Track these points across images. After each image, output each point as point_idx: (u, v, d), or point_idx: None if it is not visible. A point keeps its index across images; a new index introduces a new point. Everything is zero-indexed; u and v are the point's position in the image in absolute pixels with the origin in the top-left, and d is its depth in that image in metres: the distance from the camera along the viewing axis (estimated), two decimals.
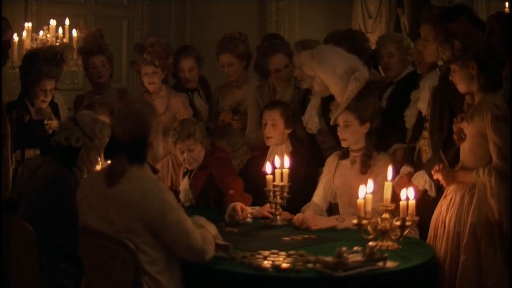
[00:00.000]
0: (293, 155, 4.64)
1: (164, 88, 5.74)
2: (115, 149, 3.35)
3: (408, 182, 4.18)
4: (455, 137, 3.89)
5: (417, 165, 4.31)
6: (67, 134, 3.97)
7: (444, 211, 3.91)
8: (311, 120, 4.98)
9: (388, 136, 4.63)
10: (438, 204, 4.01)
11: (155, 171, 3.44)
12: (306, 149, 5.03)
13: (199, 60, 5.96)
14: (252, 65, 5.83)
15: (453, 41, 3.78)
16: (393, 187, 3.92)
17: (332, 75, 4.48)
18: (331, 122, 4.51)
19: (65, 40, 7.01)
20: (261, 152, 5.02)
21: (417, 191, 4.09)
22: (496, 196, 3.66)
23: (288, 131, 4.87)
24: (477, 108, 3.78)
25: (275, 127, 4.82)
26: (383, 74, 5.43)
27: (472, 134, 3.79)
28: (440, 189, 4.10)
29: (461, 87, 3.87)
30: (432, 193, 4.14)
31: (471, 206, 3.77)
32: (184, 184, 5.08)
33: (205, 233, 3.41)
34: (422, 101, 4.41)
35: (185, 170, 5.10)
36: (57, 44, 6.83)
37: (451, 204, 3.88)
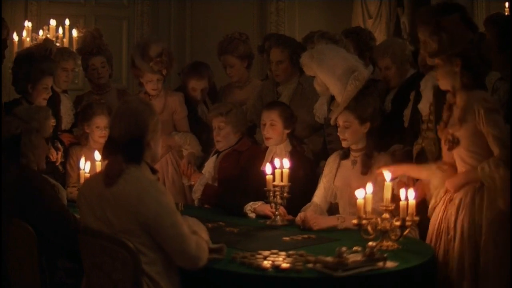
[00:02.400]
0: (293, 155, 4.64)
1: (161, 90, 5.72)
2: (113, 148, 3.35)
3: (409, 184, 4.19)
4: (446, 144, 3.87)
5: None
6: (7, 127, 3.95)
7: (454, 214, 3.87)
8: (321, 109, 4.98)
9: (390, 137, 4.63)
10: (438, 207, 4.01)
11: (154, 171, 3.43)
12: (304, 149, 5.07)
13: (211, 79, 5.93)
14: (255, 64, 5.87)
15: (441, 35, 3.78)
16: (393, 189, 3.91)
17: (331, 76, 4.47)
18: (331, 122, 4.50)
19: (65, 40, 7.02)
20: (261, 151, 5.02)
21: (423, 191, 4.09)
22: (507, 188, 3.64)
23: (287, 131, 4.87)
24: (466, 107, 3.77)
25: (273, 128, 4.82)
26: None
27: (466, 136, 3.78)
28: None
29: (442, 83, 3.88)
30: None
31: (483, 207, 3.75)
32: (209, 164, 5.17)
33: (200, 240, 3.36)
34: (424, 101, 4.40)
35: (215, 150, 5.22)
36: (57, 44, 6.83)
37: (461, 207, 3.84)
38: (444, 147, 3.94)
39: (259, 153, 4.97)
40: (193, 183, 5.22)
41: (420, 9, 4.27)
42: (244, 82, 5.88)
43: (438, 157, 4.15)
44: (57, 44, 6.59)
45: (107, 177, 3.31)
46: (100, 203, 3.31)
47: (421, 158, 4.37)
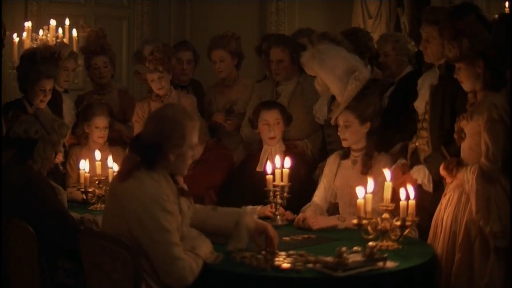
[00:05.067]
0: (291, 155, 4.65)
1: (173, 90, 5.70)
2: (135, 146, 3.35)
3: (402, 172, 4.21)
4: (455, 136, 3.90)
5: (415, 164, 4.30)
6: (26, 126, 3.97)
7: (443, 210, 3.93)
8: (321, 110, 4.99)
9: (387, 134, 4.64)
10: (439, 203, 4.02)
11: (175, 181, 3.36)
12: (304, 149, 5.09)
13: (196, 55, 6.05)
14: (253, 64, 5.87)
15: (461, 40, 3.79)
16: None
17: (332, 75, 4.48)
18: (332, 122, 4.50)
19: (65, 40, 7.01)
20: (255, 151, 5.03)
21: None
22: (475, 194, 3.71)
23: (283, 130, 4.90)
24: (478, 107, 3.80)
25: (278, 126, 4.85)
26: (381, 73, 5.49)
27: (471, 133, 3.81)
28: (438, 188, 4.11)
29: (466, 86, 3.89)
30: (430, 188, 4.14)
31: (468, 205, 3.78)
32: None
33: (191, 262, 3.25)
34: (420, 99, 4.40)
35: None
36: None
37: (449, 203, 3.90)
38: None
39: (224, 157, 5.06)
40: None
41: (426, 8, 4.30)
42: (233, 81, 5.85)
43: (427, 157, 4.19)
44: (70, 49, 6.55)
45: (119, 171, 3.37)
46: (111, 202, 3.34)
47: (415, 158, 4.39)
